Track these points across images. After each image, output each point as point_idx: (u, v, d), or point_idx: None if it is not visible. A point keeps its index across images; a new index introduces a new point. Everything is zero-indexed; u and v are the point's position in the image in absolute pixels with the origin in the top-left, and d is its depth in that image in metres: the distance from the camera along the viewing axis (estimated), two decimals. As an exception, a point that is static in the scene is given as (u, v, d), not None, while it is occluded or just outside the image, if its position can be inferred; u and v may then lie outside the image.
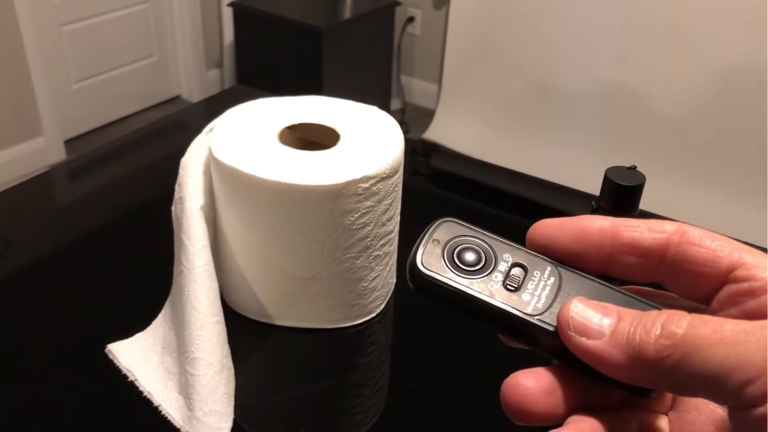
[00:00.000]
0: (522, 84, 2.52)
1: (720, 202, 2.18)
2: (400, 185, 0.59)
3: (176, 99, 2.92)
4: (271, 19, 2.50)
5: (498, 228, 0.27)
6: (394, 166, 0.56)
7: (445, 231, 0.26)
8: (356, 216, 0.54)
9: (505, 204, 0.86)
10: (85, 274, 0.68)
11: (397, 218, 0.60)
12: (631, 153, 2.32)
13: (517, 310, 0.24)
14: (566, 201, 0.88)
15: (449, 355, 0.61)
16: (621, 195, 0.49)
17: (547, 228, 0.25)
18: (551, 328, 0.24)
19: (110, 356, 0.57)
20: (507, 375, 0.24)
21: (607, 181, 0.50)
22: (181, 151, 0.60)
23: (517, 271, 0.25)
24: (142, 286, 0.66)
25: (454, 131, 2.65)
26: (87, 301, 0.64)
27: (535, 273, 0.25)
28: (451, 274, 0.25)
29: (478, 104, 2.65)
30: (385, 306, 0.63)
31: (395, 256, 0.62)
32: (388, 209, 0.56)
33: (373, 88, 2.76)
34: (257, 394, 0.55)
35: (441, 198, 0.87)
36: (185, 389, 0.52)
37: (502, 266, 0.25)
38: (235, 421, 0.52)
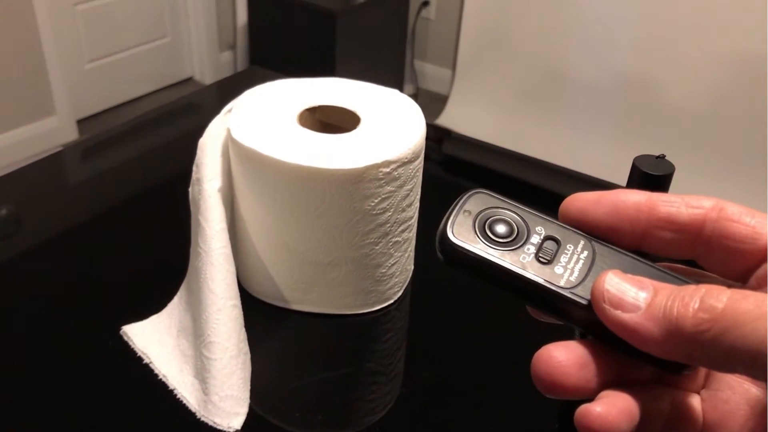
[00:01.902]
0: (537, 71, 2.50)
1: (735, 192, 2.16)
2: (421, 170, 0.57)
3: (189, 81, 2.91)
4: (285, 1, 2.48)
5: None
6: (416, 151, 0.54)
7: (476, 202, 0.26)
8: (376, 201, 0.53)
9: (518, 190, 0.85)
10: (98, 254, 0.67)
11: (417, 204, 0.59)
12: (645, 142, 2.30)
13: (550, 282, 0.24)
14: (581, 188, 0.87)
15: (467, 343, 0.60)
16: (649, 184, 0.48)
17: (582, 201, 0.25)
18: (584, 302, 0.23)
19: (125, 338, 0.56)
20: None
21: (635, 170, 0.49)
22: (195, 133, 0.59)
23: (549, 244, 0.25)
24: (157, 268, 0.65)
25: (468, 117, 2.63)
26: (100, 282, 0.64)
27: (568, 246, 0.24)
28: (482, 245, 0.24)
29: (492, 91, 2.62)
30: (403, 293, 0.62)
31: (414, 242, 0.61)
32: (408, 195, 0.56)
33: (386, 72, 2.74)
34: (273, 380, 0.55)
35: (452, 184, 0.86)
36: (201, 373, 0.51)
37: (535, 239, 0.25)
38: (250, 406, 0.51)
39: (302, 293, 0.58)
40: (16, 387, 0.53)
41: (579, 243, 0.25)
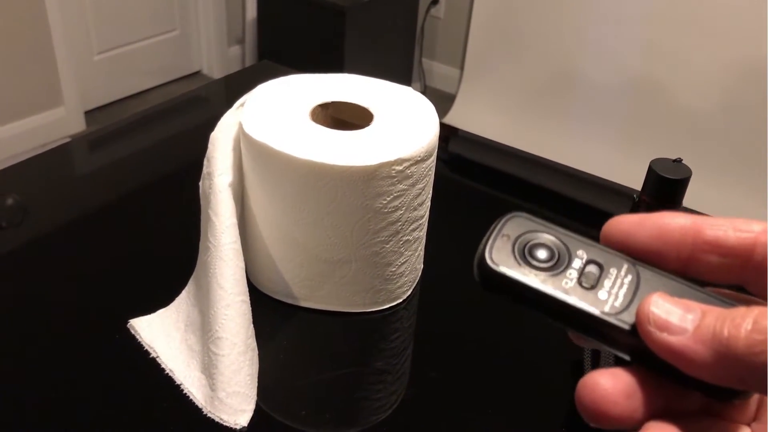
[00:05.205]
0: (545, 72, 2.49)
1: (743, 197, 2.15)
2: (434, 169, 0.57)
3: (197, 74, 2.90)
4: (295, -4, 2.47)
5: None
6: (429, 149, 0.54)
7: (515, 226, 0.25)
8: (388, 199, 0.53)
9: (524, 191, 0.84)
10: (104, 247, 0.67)
11: (428, 203, 0.58)
12: (653, 144, 2.29)
13: (594, 308, 0.23)
14: (588, 190, 0.86)
15: (474, 345, 0.60)
16: (666, 188, 0.48)
17: (625, 224, 0.24)
18: (629, 328, 0.22)
19: (132, 331, 0.56)
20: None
21: (652, 173, 0.48)
22: (204, 127, 0.58)
23: (592, 269, 0.24)
24: (165, 262, 0.65)
25: (475, 116, 2.62)
26: (107, 275, 0.63)
27: (611, 271, 0.24)
28: (522, 270, 0.24)
29: (499, 90, 2.62)
30: (412, 292, 0.62)
31: (424, 241, 0.61)
32: (420, 193, 0.55)
33: (394, 70, 2.73)
34: (280, 377, 0.54)
35: (458, 183, 0.85)
36: (208, 368, 0.51)
37: (577, 263, 0.24)
38: (257, 403, 0.51)
39: (311, 290, 0.58)
40: (20, 378, 0.52)
41: (622, 267, 0.24)
